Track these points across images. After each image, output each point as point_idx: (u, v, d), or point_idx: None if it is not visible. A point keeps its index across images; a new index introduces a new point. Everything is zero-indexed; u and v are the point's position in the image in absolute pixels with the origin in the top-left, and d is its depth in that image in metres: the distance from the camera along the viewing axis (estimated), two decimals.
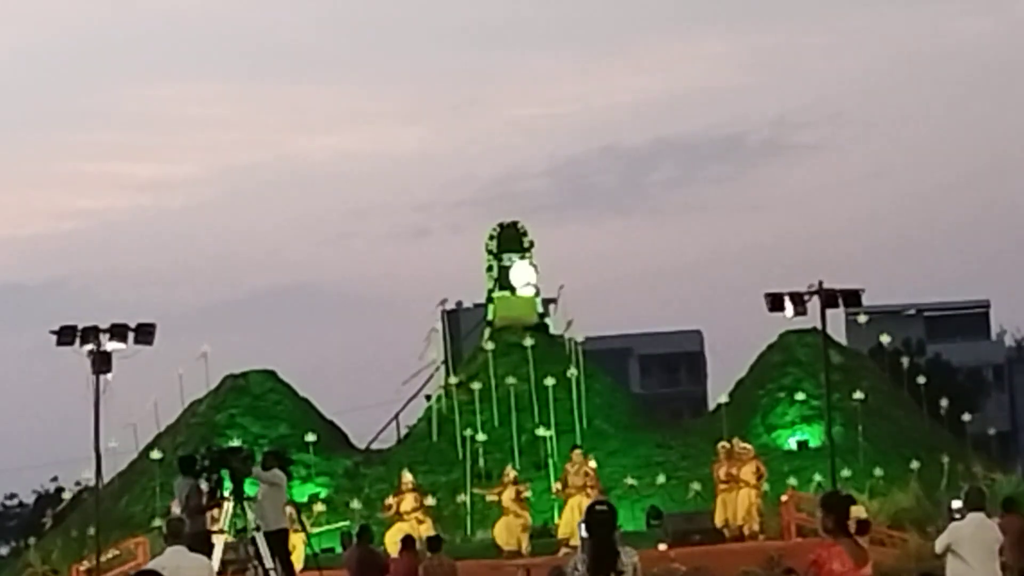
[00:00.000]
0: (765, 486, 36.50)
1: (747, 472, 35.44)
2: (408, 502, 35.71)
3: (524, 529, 35.57)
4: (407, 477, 36.41)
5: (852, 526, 11.46)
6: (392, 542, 33.42)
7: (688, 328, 79.29)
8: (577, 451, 36.49)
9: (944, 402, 41.43)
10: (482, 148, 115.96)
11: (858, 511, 11.52)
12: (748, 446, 36.31)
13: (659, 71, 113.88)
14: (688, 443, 41.47)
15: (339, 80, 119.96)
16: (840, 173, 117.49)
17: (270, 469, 24.89)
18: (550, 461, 38.65)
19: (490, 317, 43.79)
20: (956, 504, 24.09)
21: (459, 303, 53.36)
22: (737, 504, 35.30)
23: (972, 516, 16.56)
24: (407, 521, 35.09)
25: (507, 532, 35.53)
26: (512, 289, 43.50)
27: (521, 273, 43.49)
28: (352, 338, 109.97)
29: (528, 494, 36.92)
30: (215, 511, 24.60)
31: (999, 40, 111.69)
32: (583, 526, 11.90)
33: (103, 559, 33.40)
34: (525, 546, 35.24)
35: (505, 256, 43.54)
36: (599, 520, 11.66)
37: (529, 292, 43.52)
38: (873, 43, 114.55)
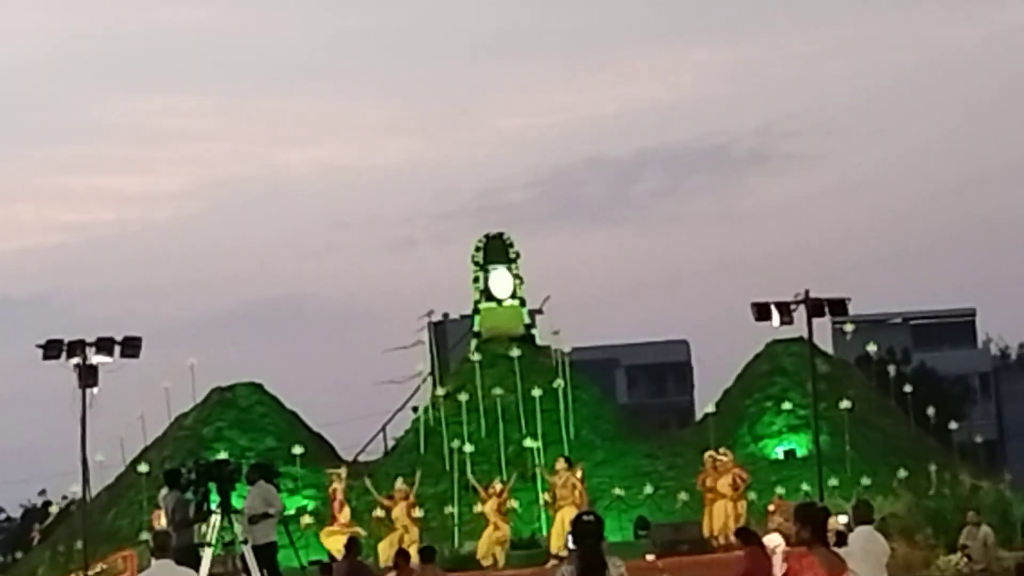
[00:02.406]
0: (752, 495, 36.47)
1: (723, 484, 35.41)
2: (399, 511, 35.61)
3: (501, 542, 35.43)
4: (399, 485, 36.29)
5: (832, 538, 11.52)
6: (384, 551, 33.44)
7: (675, 338, 79.27)
8: (561, 460, 36.43)
9: (931, 410, 41.51)
10: (468, 159, 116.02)
11: (836, 523, 11.58)
12: (725, 457, 36.10)
13: (644, 82, 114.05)
14: (675, 453, 41.48)
15: (324, 92, 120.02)
16: (825, 182, 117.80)
17: (255, 482, 24.88)
18: (537, 472, 38.62)
19: (477, 328, 43.83)
20: (843, 519, 23.98)
21: (445, 315, 53.28)
22: (715, 515, 35.24)
23: (861, 529, 16.33)
24: (396, 531, 35.09)
25: (485, 544, 35.44)
26: (497, 300, 43.52)
27: (500, 281, 43.51)
28: (338, 350, 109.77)
29: (515, 504, 36.93)
30: (202, 524, 24.56)
31: (986, 50, 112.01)
32: (570, 537, 11.91)
33: (90, 573, 33.31)
34: (501, 560, 35.18)
35: (491, 267, 43.60)
36: (586, 530, 11.68)
37: (511, 301, 43.54)
38: (859, 53, 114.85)
